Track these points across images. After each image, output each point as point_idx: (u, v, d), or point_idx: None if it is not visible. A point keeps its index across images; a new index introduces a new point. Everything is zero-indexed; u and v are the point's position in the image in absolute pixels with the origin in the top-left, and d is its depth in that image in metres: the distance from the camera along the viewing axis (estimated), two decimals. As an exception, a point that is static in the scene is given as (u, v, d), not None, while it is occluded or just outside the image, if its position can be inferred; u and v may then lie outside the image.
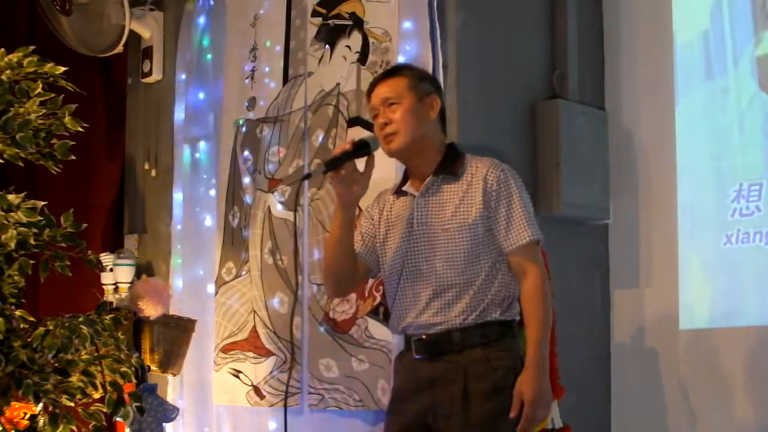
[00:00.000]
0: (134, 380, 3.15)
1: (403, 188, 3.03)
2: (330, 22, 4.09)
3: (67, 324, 2.88)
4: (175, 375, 4.34)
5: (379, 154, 2.96)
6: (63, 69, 3.03)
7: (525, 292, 2.89)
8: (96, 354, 2.95)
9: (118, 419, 3.08)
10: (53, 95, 3.00)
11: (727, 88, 4.10)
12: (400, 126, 2.92)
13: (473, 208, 2.90)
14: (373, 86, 3.02)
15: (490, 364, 2.85)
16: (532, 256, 2.91)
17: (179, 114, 4.64)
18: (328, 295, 3.28)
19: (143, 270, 4.63)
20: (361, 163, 2.91)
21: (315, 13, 4.16)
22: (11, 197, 2.90)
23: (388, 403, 3.07)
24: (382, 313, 3.71)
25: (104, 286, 4.50)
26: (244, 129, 4.39)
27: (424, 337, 2.92)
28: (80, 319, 2.93)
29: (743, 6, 4.07)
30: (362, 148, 2.89)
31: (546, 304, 2.89)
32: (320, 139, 4.01)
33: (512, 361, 2.87)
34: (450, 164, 2.97)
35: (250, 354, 4.22)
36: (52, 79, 3.02)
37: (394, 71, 3.05)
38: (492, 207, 2.89)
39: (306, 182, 3.94)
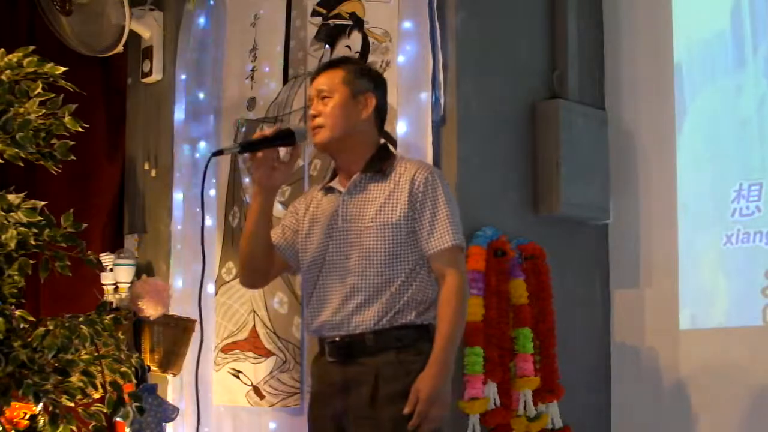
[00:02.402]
0: (134, 380, 3.15)
1: (331, 184, 3.00)
2: (330, 22, 4.09)
3: (67, 324, 2.88)
4: (175, 375, 4.34)
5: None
6: (63, 69, 3.03)
7: (442, 296, 2.84)
8: (96, 354, 2.95)
9: (118, 419, 3.08)
10: (53, 95, 3.00)
11: (730, 89, 4.10)
12: (327, 120, 2.89)
13: (398, 207, 2.86)
14: (314, 75, 2.99)
15: (402, 368, 2.80)
16: (454, 261, 2.86)
17: (179, 114, 4.64)
18: (241, 284, 3.24)
19: (143, 270, 4.63)
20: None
21: (315, 13, 4.16)
22: (11, 197, 2.90)
23: (308, 407, 3.02)
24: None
25: (104, 286, 4.50)
26: (244, 129, 4.39)
27: (337, 339, 2.87)
28: (80, 319, 2.93)
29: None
30: (286, 138, 2.86)
31: (460, 308, 2.83)
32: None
33: (425, 365, 2.80)
34: (378, 162, 2.93)
35: (250, 354, 4.22)
36: (52, 79, 3.01)
37: (335, 63, 3.00)
38: (417, 208, 2.86)
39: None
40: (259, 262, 3.00)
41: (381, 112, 3.00)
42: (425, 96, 3.72)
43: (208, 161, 2.96)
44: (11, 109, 2.94)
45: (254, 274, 3.07)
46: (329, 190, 3.00)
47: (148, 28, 4.77)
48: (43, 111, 2.96)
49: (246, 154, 2.87)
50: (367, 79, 2.97)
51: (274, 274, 3.13)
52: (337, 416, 2.86)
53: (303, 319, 4.04)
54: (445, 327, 2.80)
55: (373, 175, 2.92)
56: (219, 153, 2.99)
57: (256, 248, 2.97)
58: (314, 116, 2.92)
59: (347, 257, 2.88)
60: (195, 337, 4.34)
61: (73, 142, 3.01)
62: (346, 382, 2.85)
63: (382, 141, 3.02)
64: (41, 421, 2.90)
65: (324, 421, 2.90)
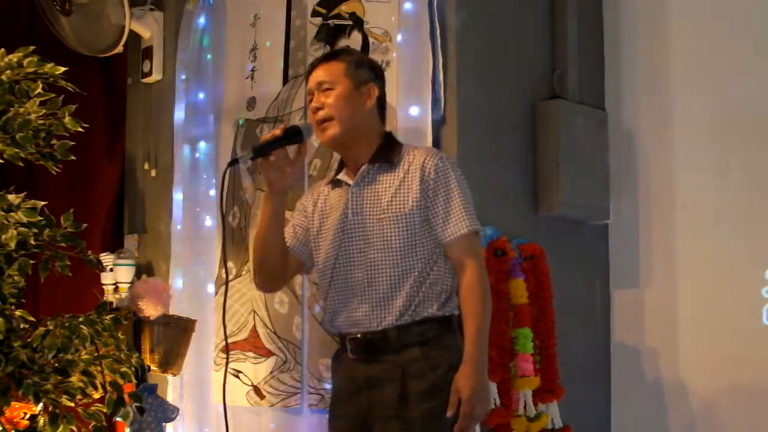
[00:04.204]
0: (134, 380, 3.15)
1: (338, 177, 2.96)
2: (330, 22, 4.09)
3: (67, 324, 2.88)
4: (175, 375, 4.34)
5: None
6: (63, 69, 3.02)
7: (463, 286, 2.80)
8: (96, 354, 2.95)
9: (118, 419, 3.08)
10: (53, 95, 2.99)
11: (730, 89, 4.09)
12: (333, 111, 2.84)
13: (410, 196, 2.82)
14: (310, 69, 2.95)
15: (428, 363, 2.77)
16: (471, 247, 2.83)
17: (179, 114, 4.64)
18: (257, 288, 3.21)
19: (143, 270, 4.63)
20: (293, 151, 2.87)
21: (315, 13, 4.16)
22: (11, 197, 2.89)
23: (329, 406, 3.00)
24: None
25: (104, 286, 4.50)
26: (244, 129, 4.39)
27: (359, 336, 2.84)
28: (80, 319, 2.92)
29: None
30: (294, 135, 2.83)
31: (484, 298, 2.79)
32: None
33: (452, 359, 2.77)
34: (386, 153, 2.89)
35: (250, 354, 4.22)
36: (52, 79, 3.01)
37: (333, 55, 2.97)
38: (430, 196, 2.82)
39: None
40: (274, 266, 2.96)
41: (382, 102, 2.97)
42: (425, 96, 3.72)
43: (225, 171, 2.93)
44: (11, 109, 2.93)
45: (270, 278, 3.03)
46: (336, 183, 2.97)
47: (148, 28, 4.77)
48: (43, 111, 2.96)
49: (259, 159, 2.83)
50: (367, 70, 2.94)
51: (290, 275, 3.10)
52: (362, 414, 2.83)
53: (303, 318, 4.05)
54: (473, 322, 2.76)
55: (381, 165, 2.88)
56: (234, 162, 2.96)
57: (270, 252, 2.93)
58: (317, 109, 2.87)
59: (361, 251, 2.84)
60: (196, 336, 4.35)
61: (73, 142, 3.00)
62: (370, 379, 2.82)
63: (387, 130, 3.00)
64: (41, 421, 2.90)
65: (347, 419, 2.87)
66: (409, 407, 2.75)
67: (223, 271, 4.38)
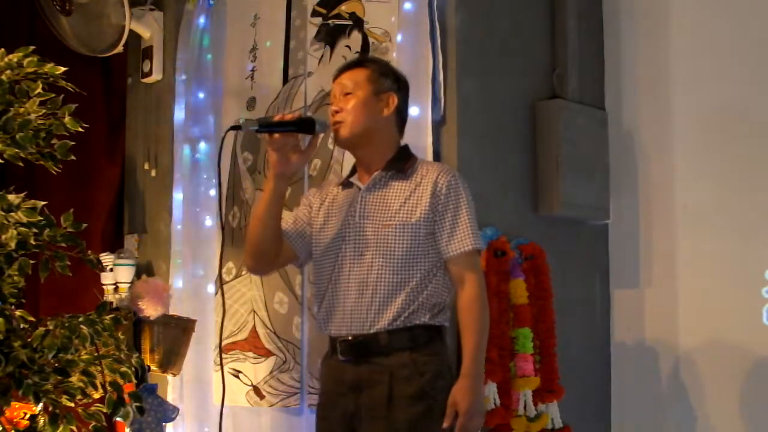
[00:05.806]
0: (134, 380, 3.15)
1: (350, 179, 3.01)
2: (330, 22, 4.09)
3: (67, 324, 2.88)
4: (175, 375, 4.34)
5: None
6: (63, 69, 3.03)
7: (463, 301, 2.85)
8: (96, 354, 2.95)
9: (118, 419, 3.08)
10: (53, 95, 3.00)
11: (729, 88, 4.09)
12: (348, 115, 2.91)
13: (418, 208, 2.87)
14: (337, 75, 3.01)
15: (417, 368, 2.81)
16: (472, 264, 2.88)
17: (179, 114, 4.63)
18: (247, 270, 3.20)
19: (143, 270, 4.63)
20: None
21: (315, 13, 4.16)
22: (11, 197, 2.90)
23: (317, 407, 3.02)
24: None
25: (104, 286, 4.50)
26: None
27: (350, 338, 2.87)
28: (80, 319, 2.92)
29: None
30: (305, 126, 2.88)
31: (483, 314, 2.85)
32: (320, 139, 4.01)
33: (440, 366, 2.84)
34: (401, 162, 2.95)
35: (250, 354, 4.22)
36: (52, 79, 3.01)
37: (359, 63, 3.03)
38: (439, 211, 2.87)
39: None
40: (266, 248, 2.99)
41: (402, 114, 3.02)
42: (425, 96, 3.71)
43: (225, 134, 2.98)
44: (11, 109, 2.94)
45: (261, 261, 3.05)
46: (348, 185, 3.01)
47: (148, 28, 4.77)
48: (43, 111, 2.96)
49: (265, 136, 2.88)
50: (391, 79, 3.00)
51: (281, 263, 3.13)
52: (348, 415, 2.86)
53: (303, 318, 4.05)
54: (472, 337, 2.81)
55: (394, 174, 2.93)
56: (236, 128, 2.99)
57: (264, 233, 2.96)
58: (336, 112, 2.93)
59: (362, 254, 2.87)
60: (196, 336, 4.34)
61: (73, 142, 3.01)
62: (358, 381, 2.85)
63: (403, 143, 3.04)
64: (41, 421, 2.90)
65: (334, 420, 2.90)
66: (395, 410, 2.79)
67: (223, 270, 4.38)
